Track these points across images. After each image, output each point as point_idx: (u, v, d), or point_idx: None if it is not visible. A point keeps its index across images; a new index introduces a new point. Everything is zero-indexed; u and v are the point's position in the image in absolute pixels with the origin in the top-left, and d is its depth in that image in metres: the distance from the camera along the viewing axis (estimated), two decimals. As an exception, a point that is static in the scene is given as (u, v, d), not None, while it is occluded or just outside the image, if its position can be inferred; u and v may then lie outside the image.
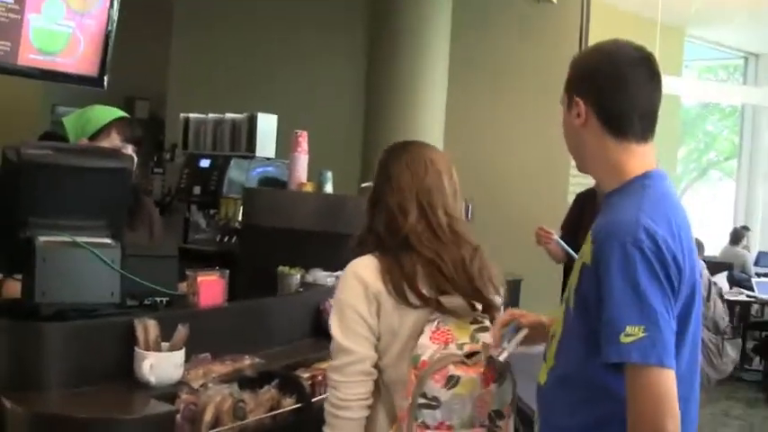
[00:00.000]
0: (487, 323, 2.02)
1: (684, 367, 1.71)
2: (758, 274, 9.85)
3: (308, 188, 3.89)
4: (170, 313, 2.38)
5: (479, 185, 5.98)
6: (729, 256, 10.33)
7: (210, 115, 5.14)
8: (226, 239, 4.56)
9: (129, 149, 2.95)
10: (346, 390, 2.00)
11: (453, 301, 2.02)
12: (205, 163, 4.91)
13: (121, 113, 3.05)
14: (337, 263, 2.57)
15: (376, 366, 2.03)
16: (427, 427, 1.90)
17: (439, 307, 2.00)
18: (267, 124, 4.88)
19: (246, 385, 2.31)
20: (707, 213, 16.05)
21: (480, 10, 6.82)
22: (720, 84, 15.39)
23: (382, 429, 2.03)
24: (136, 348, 2.17)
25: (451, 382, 1.89)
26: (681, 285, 1.64)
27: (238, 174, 4.77)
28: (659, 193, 1.72)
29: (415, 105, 6.12)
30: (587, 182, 4.49)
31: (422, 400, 1.90)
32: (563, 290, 1.85)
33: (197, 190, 4.84)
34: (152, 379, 2.14)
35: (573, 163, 2.00)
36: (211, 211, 4.83)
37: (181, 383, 2.18)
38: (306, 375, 2.49)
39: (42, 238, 2.17)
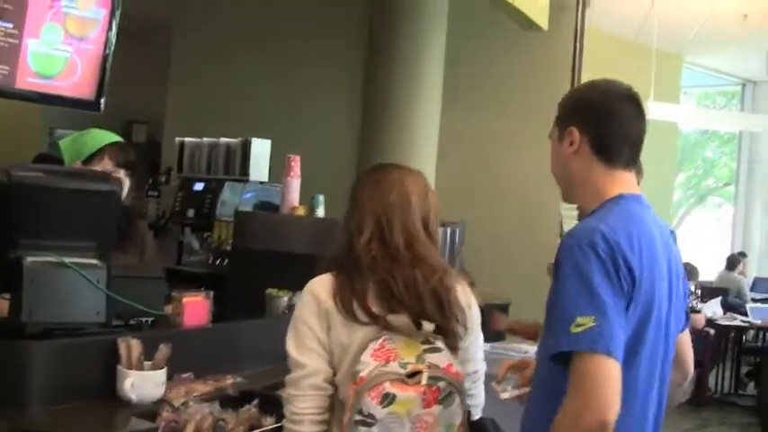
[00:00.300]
0: (439, 344, 2.02)
1: (643, 378, 1.81)
2: (754, 300, 9.88)
3: (300, 212, 3.94)
4: (154, 333, 2.43)
5: (472, 208, 6.04)
6: (725, 281, 10.38)
7: (205, 139, 5.21)
8: (218, 262, 4.60)
9: (122, 174, 3.01)
10: (299, 404, 2.03)
11: (399, 319, 2.02)
12: (199, 186, 4.98)
13: (115, 138, 3.11)
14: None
15: (332, 383, 2.05)
16: None
17: (386, 325, 2.01)
18: (261, 148, 4.95)
19: (228, 404, 2.35)
20: (706, 239, 16.07)
21: (473, 35, 6.91)
22: (718, 111, 15.46)
23: None
24: (118, 367, 2.22)
25: (387, 399, 1.90)
26: (634, 291, 1.73)
27: (232, 197, 4.83)
28: (626, 211, 1.84)
29: (409, 130, 6.18)
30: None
31: (358, 417, 1.91)
32: None
33: (191, 213, 4.90)
34: (133, 397, 2.19)
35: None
36: (205, 234, 4.88)
37: (162, 401, 2.22)
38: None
39: (30, 259, 2.22)
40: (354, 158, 6.42)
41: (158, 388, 2.25)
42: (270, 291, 3.27)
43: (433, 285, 2.05)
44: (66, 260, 2.26)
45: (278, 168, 4.16)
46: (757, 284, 11.05)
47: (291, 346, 2.07)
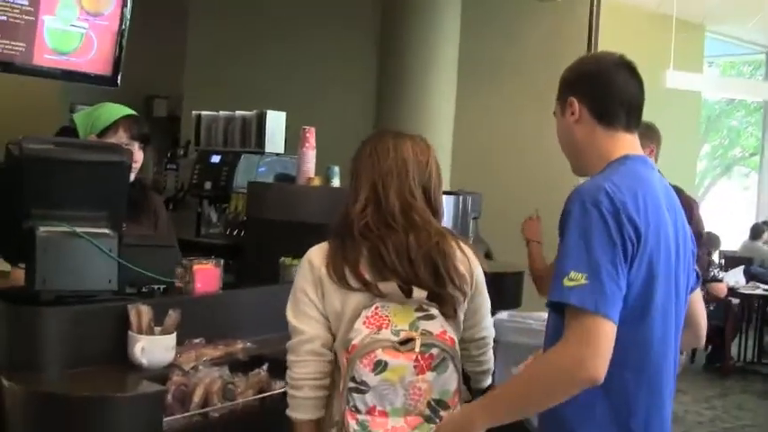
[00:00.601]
0: (433, 311, 2.01)
1: (658, 335, 1.86)
2: (778, 269, 9.82)
3: (316, 182, 3.98)
4: (165, 300, 2.48)
5: (490, 180, 6.07)
6: (749, 250, 10.32)
7: (222, 113, 5.26)
8: (235, 233, 4.66)
9: (136, 146, 3.05)
10: (298, 369, 2.07)
11: (389, 286, 2.02)
12: (216, 159, 5.03)
13: (129, 111, 3.14)
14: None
15: (331, 348, 2.07)
16: (359, 412, 1.93)
17: (378, 292, 2.01)
18: (276, 121, 4.99)
19: (238, 368, 2.41)
20: (732, 209, 15.96)
21: (489, 7, 6.88)
22: (742, 80, 15.28)
23: (338, 411, 2.01)
24: (129, 332, 2.28)
25: (379, 367, 1.91)
26: (639, 248, 1.78)
27: (248, 169, 4.87)
28: (631, 171, 1.90)
29: (424, 101, 6.18)
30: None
31: (351, 384, 1.93)
32: None
33: (208, 185, 4.96)
34: (144, 361, 2.25)
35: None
36: (222, 206, 4.94)
37: (172, 366, 2.28)
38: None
39: (43, 229, 2.27)
40: (370, 130, 6.42)
41: (168, 352, 2.30)
42: (283, 259, 3.32)
43: (426, 251, 2.04)
44: (78, 230, 2.31)
45: (294, 141, 4.19)
46: (782, 253, 10.96)
47: (290, 314, 2.11)
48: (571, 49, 6.62)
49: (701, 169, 16.36)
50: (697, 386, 7.47)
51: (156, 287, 2.58)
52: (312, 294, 2.08)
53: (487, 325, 2.29)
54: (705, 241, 6.00)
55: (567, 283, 1.71)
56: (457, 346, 2.02)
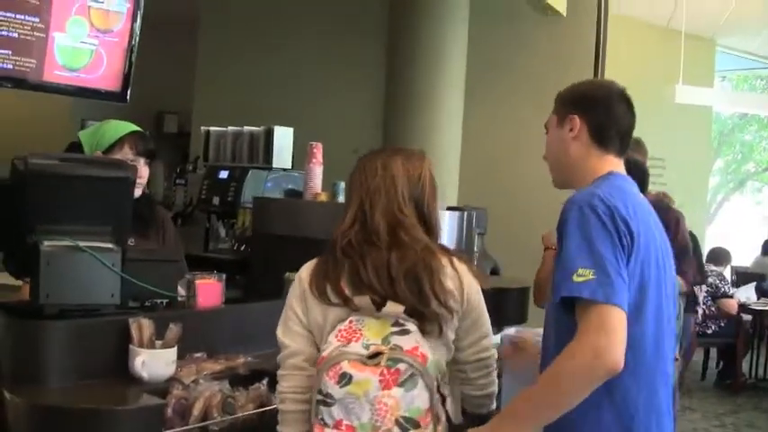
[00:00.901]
0: (410, 326, 1.99)
1: (651, 337, 1.97)
2: (791, 285, 9.75)
3: (323, 198, 4.00)
4: (167, 314, 2.51)
5: (497, 195, 6.07)
6: (761, 266, 10.25)
7: (230, 128, 5.30)
8: (243, 248, 4.69)
9: (141, 162, 3.09)
10: (283, 382, 2.10)
11: (362, 300, 2.03)
12: (224, 174, 5.07)
13: (134, 127, 3.17)
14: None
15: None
16: (326, 425, 1.93)
17: (353, 306, 2.03)
18: (284, 136, 5.03)
19: (238, 383, 2.42)
20: (745, 224, 15.91)
21: (496, 22, 6.90)
22: (754, 94, 15.26)
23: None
24: (130, 345, 2.30)
25: (344, 379, 1.91)
26: (633, 248, 1.92)
27: (255, 185, 4.91)
28: (617, 184, 2.07)
29: (432, 116, 6.20)
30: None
31: (319, 397, 1.94)
32: None
33: (216, 200, 4.99)
34: (145, 374, 2.27)
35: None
36: (230, 221, 4.98)
37: (173, 379, 2.30)
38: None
39: (47, 243, 2.31)
40: (377, 146, 6.45)
41: (169, 366, 2.32)
42: (288, 274, 3.34)
43: (409, 267, 2.03)
44: (82, 244, 2.34)
45: (302, 156, 4.21)
46: (794, 270, 10.89)
47: (279, 328, 2.14)
48: (578, 64, 6.68)
49: (714, 184, 16.32)
50: (707, 403, 7.43)
51: (158, 301, 2.61)
52: (297, 309, 2.11)
53: (486, 346, 2.22)
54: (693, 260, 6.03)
55: (576, 279, 1.84)
56: (431, 364, 1.96)
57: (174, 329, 2.34)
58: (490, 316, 2.23)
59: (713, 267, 8.15)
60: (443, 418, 2.00)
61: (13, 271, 2.53)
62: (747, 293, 8.64)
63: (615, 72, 8.04)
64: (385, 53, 6.59)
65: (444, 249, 2.16)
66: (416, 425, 1.92)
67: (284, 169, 5.04)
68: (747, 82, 16.42)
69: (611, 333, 1.79)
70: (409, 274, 2.03)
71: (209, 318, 2.64)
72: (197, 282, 2.62)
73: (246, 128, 5.21)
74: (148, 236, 3.14)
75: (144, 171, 3.11)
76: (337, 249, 2.08)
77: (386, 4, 6.64)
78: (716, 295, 7.98)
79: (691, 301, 5.90)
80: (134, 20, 4.61)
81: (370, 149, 2.28)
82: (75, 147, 3.23)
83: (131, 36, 4.56)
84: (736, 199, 18.12)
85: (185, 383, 2.29)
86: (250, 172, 4.97)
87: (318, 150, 4.04)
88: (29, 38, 4.22)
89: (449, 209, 4.58)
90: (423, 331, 2.01)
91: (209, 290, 2.66)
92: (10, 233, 2.37)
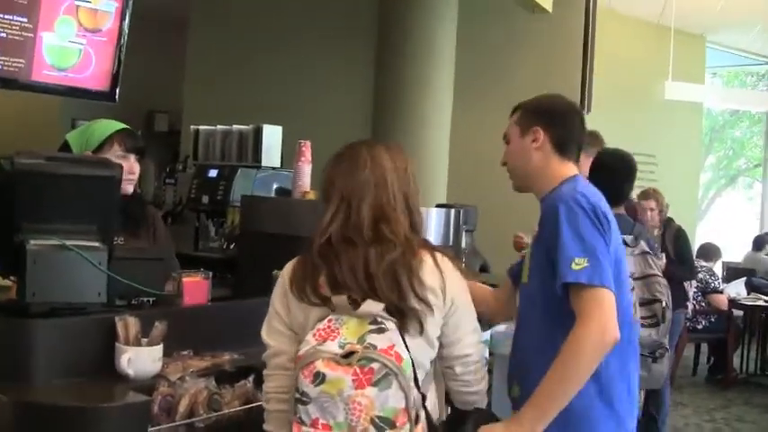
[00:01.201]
0: (388, 325, 1.97)
1: (623, 307, 2.24)
2: (781, 280, 9.79)
3: (311, 196, 4.01)
4: (153, 312, 2.51)
5: (486, 193, 6.08)
6: (752, 262, 10.31)
7: (219, 127, 5.31)
8: (232, 246, 4.70)
9: (132, 159, 3.10)
10: (269, 382, 2.12)
11: (339, 299, 2.01)
12: (213, 173, 5.08)
13: (122, 125, 3.17)
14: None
15: None
16: (303, 424, 1.92)
17: (332, 305, 2.01)
18: (272, 135, 5.04)
19: (225, 380, 2.44)
20: (737, 220, 15.95)
21: (484, 20, 6.93)
22: (744, 90, 15.30)
23: None
24: (116, 343, 2.32)
25: (318, 378, 1.90)
26: (611, 235, 2.23)
27: (245, 183, 4.92)
28: (587, 184, 2.38)
29: (421, 115, 6.22)
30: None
31: (296, 395, 1.93)
32: None
33: (205, 199, 5.01)
34: (131, 372, 2.28)
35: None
36: (220, 220, 4.99)
37: (159, 376, 2.31)
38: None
39: (33, 242, 2.32)
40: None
41: (155, 363, 2.33)
42: (276, 272, 3.34)
43: (389, 263, 2.02)
44: (68, 243, 2.35)
45: (291, 155, 4.23)
46: (785, 264, 10.94)
47: (263, 328, 2.15)
48: (566, 60, 6.71)
49: (705, 180, 16.36)
50: (698, 398, 7.47)
51: (145, 299, 2.61)
52: (280, 308, 2.12)
53: (472, 342, 2.20)
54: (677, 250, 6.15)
55: (574, 267, 2.12)
56: (407, 364, 1.93)
57: (159, 327, 2.36)
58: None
59: (703, 263, 8.19)
60: (423, 417, 1.98)
61: (1, 270, 2.54)
62: (737, 289, 8.69)
63: (605, 68, 8.08)
64: (374, 51, 6.61)
65: (427, 244, 2.16)
66: (392, 425, 1.91)
67: (273, 168, 5.06)
68: (738, 78, 16.46)
69: (608, 311, 2.09)
70: (388, 269, 2.02)
71: (195, 315, 2.65)
72: (183, 279, 2.63)
73: (236, 126, 5.22)
74: (139, 235, 3.14)
75: (135, 167, 3.11)
76: (314, 248, 2.07)
77: (375, 3, 6.66)
78: (706, 291, 8.02)
79: (681, 296, 5.94)
80: (122, 19, 4.61)
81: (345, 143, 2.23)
82: (68, 147, 3.24)
83: (120, 35, 4.56)
84: (727, 195, 18.16)
85: (171, 380, 2.30)
86: (239, 170, 4.99)
87: (307, 149, 4.04)
88: (17, 38, 4.22)
89: (438, 206, 4.60)
90: (403, 329, 1.99)
91: (196, 287, 2.67)
92: (-3, 232, 2.38)
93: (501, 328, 4.18)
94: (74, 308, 2.36)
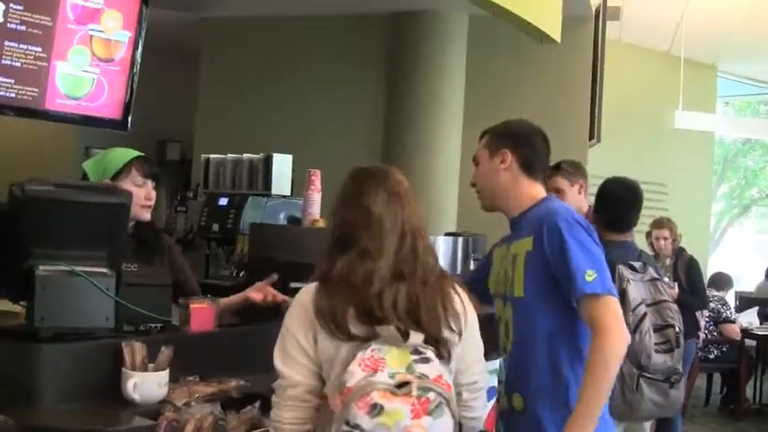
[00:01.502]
0: (429, 354, 1.96)
1: None
2: (794, 310, 9.71)
3: (321, 224, 4.03)
4: (160, 337, 2.53)
5: (495, 222, 6.09)
6: (765, 291, 10.22)
7: (229, 156, 5.36)
8: (242, 274, 4.72)
9: (150, 185, 3.13)
10: (279, 411, 2.04)
11: (386, 330, 1.97)
12: (224, 201, 5.12)
13: (138, 153, 3.21)
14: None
15: (317, 394, 2.03)
16: None
17: (374, 335, 1.96)
18: (282, 164, 5.09)
19: (231, 406, 2.44)
20: (750, 250, 15.87)
21: (493, 51, 6.96)
22: (756, 119, 15.29)
23: None
24: (123, 368, 2.33)
25: (375, 410, 1.85)
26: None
27: (254, 211, 4.95)
28: (564, 205, 2.53)
29: (431, 144, 6.26)
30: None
31: (345, 428, 1.87)
32: None
33: (216, 227, 5.04)
34: (136, 397, 2.30)
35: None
36: (230, 248, 5.01)
37: (165, 402, 2.32)
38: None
39: (42, 267, 2.34)
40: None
41: (161, 389, 2.35)
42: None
43: (430, 294, 2.04)
44: (77, 269, 2.38)
45: (301, 183, 4.25)
46: (798, 294, 10.85)
47: (277, 355, 2.06)
48: (574, 91, 6.73)
49: (717, 210, 16.30)
50: (710, 428, 7.41)
51: (153, 325, 2.63)
52: (303, 339, 2.03)
53: (480, 370, 2.23)
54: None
55: (588, 279, 2.24)
56: (453, 391, 1.97)
57: (165, 352, 2.37)
58: (486, 342, 2.25)
59: (715, 292, 8.14)
60: None
61: (8, 294, 2.56)
62: (749, 318, 8.62)
63: (615, 97, 8.11)
64: (384, 80, 6.65)
65: (448, 274, 2.18)
66: None
67: (283, 196, 5.09)
68: (751, 107, 16.47)
69: (620, 317, 2.25)
70: (430, 301, 2.03)
71: (201, 341, 2.67)
72: (191, 306, 2.65)
73: (246, 155, 5.26)
74: (153, 262, 3.15)
75: (152, 194, 3.14)
76: (345, 279, 2.01)
77: (384, 35, 6.72)
78: (717, 320, 7.97)
79: (692, 325, 5.91)
80: (135, 48, 4.68)
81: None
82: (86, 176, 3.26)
83: (132, 64, 4.63)
84: (740, 224, 18.09)
85: (177, 406, 2.31)
86: (249, 199, 5.02)
87: (317, 177, 4.06)
88: (32, 67, 4.30)
89: (446, 234, 4.61)
90: (440, 357, 1.99)
91: (203, 314, 2.69)
92: (6, 258, 2.41)
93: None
94: (81, 333, 2.39)
